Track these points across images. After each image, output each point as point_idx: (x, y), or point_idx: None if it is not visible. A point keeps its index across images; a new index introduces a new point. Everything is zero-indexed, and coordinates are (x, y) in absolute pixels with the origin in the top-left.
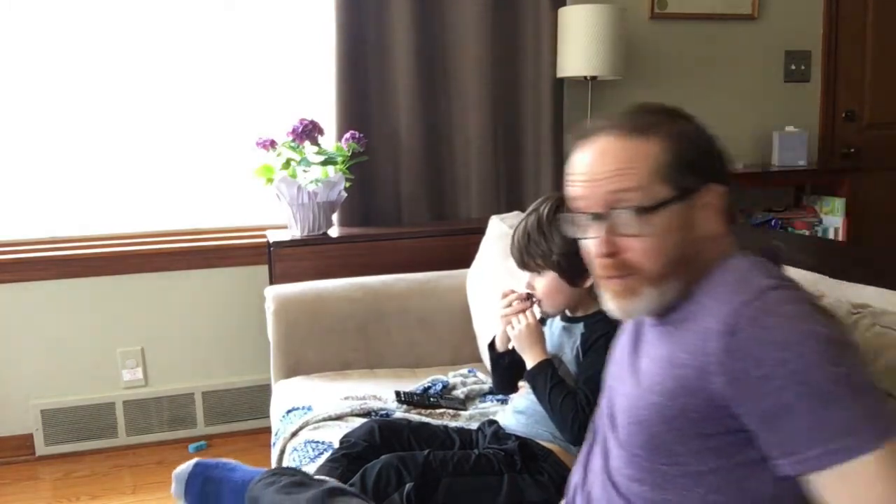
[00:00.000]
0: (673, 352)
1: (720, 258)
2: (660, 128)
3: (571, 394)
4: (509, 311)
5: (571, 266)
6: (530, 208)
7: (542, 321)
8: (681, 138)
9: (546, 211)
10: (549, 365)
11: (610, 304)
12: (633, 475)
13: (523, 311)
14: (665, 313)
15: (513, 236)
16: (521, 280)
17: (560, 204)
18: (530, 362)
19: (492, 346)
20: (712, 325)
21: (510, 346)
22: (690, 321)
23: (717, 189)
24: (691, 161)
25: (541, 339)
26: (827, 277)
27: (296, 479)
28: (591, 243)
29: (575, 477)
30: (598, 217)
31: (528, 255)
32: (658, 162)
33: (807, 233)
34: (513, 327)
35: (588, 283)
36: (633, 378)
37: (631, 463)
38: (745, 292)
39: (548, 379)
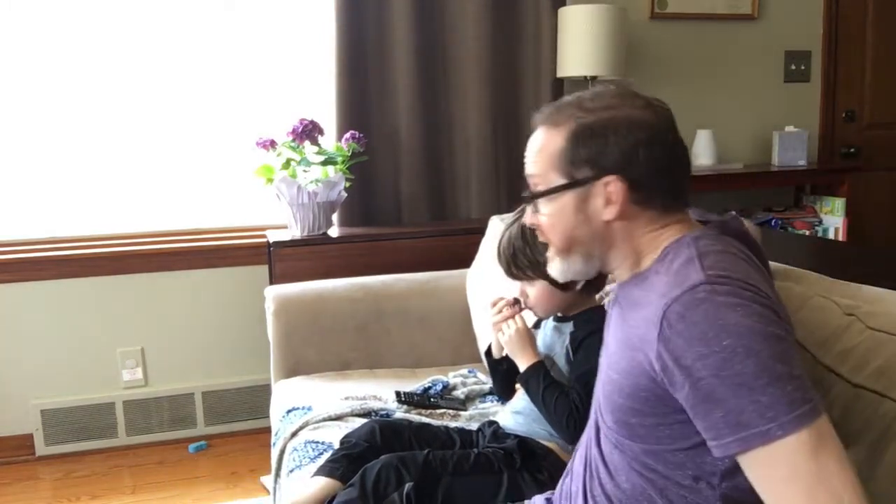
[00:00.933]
0: (627, 334)
1: (669, 237)
2: (569, 121)
3: (564, 394)
4: (499, 317)
5: None
6: (512, 217)
7: (537, 324)
8: (582, 132)
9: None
10: (541, 367)
11: None
12: (609, 445)
13: (512, 316)
14: (623, 291)
15: (497, 247)
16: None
17: None
18: (522, 365)
19: (489, 353)
20: (651, 316)
21: (504, 353)
22: (642, 304)
23: (614, 182)
24: (586, 155)
25: (531, 342)
26: (827, 277)
27: None
28: None
29: (576, 455)
30: (528, 195)
31: (515, 266)
32: (554, 153)
33: (807, 233)
34: (503, 333)
35: (579, 287)
36: (605, 351)
37: (609, 433)
38: (679, 286)
39: (540, 380)
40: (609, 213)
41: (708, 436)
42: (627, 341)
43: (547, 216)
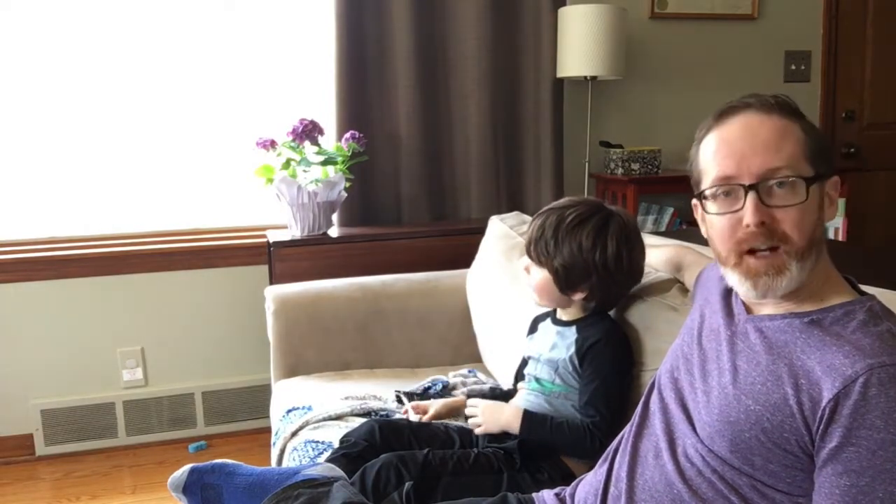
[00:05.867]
0: (788, 370)
1: (838, 288)
2: (796, 115)
3: (571, 421)
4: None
5: (567, 277)
6: (559, 203)
7: (534, 326)
8: (811, 128)
9: (570, 217)
10: (530, 415)
11: (747, 283)
12: (708, 469)
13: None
14: (772, 314)
15: (532, 221)
16: (521, 283)
17: (587, 217)
18: (515, 428)
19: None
20: (838, 365)
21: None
22: (817, 347)
23: (837, 181)
24: (823, 150)
25: (497, 408)
26: None
27: (304, 500)
28: (733, 219)
29: (616, 462)
30: (751, 188)
31: (534, 247)
32: (803, 141)
33: None
34: (479, 417)
35: (577, 297)
36: (729, 375)
37: (709, 456)
38: (889, 354)
39: (540, 425)
40: (832, 213)
41: (819, 495)
42: (786, 377)
43: (797, 211)
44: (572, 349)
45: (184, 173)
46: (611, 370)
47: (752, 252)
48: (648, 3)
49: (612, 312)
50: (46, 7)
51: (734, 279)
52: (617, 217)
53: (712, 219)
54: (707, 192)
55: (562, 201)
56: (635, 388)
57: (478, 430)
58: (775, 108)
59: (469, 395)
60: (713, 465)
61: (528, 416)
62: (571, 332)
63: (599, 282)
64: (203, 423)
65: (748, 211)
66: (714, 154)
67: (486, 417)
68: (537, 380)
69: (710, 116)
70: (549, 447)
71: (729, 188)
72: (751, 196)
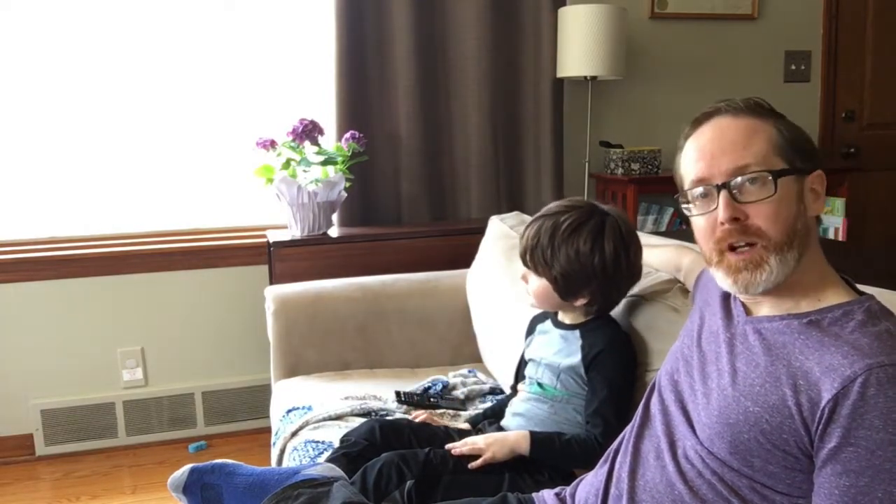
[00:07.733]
0: (787, 371)
1: (836, 282)
2: (769, 115)
3: (577, 436)
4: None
5: (567, 284)
6: (551, 209)
7: (532, 327)
8: (787, 126)
9: (566, 224)
10: (536, 435)
11: (728, 280)
12: (708, 470)
13: (470, 451)
14: (770, 315)
15: (525, 229)
16: (521, 284)
17: (583, 222)
18: (524, 449)
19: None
20: (836, 365)
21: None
22: (814, 348)
23: (821, 175)
24: (800, 146)
25: (499, 436)
26: None
27: (304, 500)
28: (711, 218)
29: (617, 463)
30: (722, 187)
31: (530, 256)
32: (774, 138)
33: None
34: (487, 453)
35: (579, 303)
36: (729, 377)
37: (708, 458)
38: (887, 354)
39: (549, 443)
40: (818, 207)
41: (819, 495)
42: (784, 379)
43: (769, 205)
44: (578, 356)
45: (184, 173)
46: (618, 378)
47: (732, 249)
48: (648, 3)
49: (613, 312)
50: (46, 7)
51: (719, 276)
52: (612, 218)
53: (695, 221)
54: (687, 196)
55: (553, 207)
56: (638, 388)
57: (478, 462)
58: (744, 109)
59: (468, 396)
60: (713, 466)
61: (536, 437)
62: (575, 338)
63: (600, 286)
64: (203, 423)
65: (720, 208)
66: (690, 160)
67: (492, 447)
68: (539, 384)
69: (687, 125)
70: (560, 464)
71: (705, 190)
72: (723, 194)
